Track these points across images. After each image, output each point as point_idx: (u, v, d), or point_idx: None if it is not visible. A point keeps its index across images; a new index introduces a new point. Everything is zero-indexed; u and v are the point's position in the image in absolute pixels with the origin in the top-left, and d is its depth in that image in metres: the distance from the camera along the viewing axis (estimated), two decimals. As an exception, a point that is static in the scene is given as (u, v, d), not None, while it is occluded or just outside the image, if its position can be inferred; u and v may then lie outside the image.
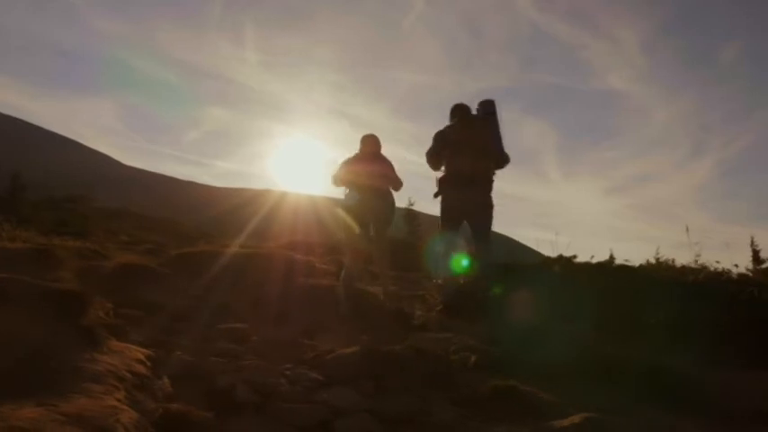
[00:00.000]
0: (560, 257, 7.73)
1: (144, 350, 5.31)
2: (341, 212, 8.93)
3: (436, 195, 7.63)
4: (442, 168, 7.55)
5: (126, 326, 6.61)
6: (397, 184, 8.32)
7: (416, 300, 8.88)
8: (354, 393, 4.73)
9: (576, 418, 3.46)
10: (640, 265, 9.60)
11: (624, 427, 3.48)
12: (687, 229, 8.21)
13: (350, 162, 8.52)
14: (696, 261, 8.47)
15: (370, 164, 8.38)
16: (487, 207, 7.43)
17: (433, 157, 7.43)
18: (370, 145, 8.55)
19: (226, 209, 50.78)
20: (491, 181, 7.28)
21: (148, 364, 4.89)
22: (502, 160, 7.31)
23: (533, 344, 5.96)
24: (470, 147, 7.19)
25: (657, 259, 10.39)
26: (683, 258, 9.32)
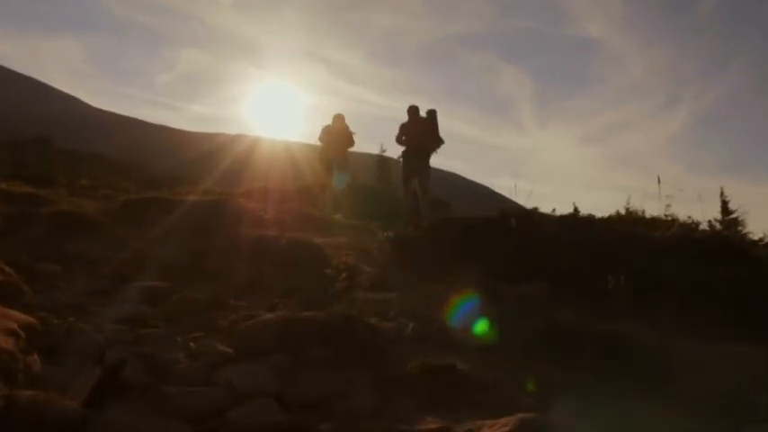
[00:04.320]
0: (518, 211, 7.06)
1: (26, 317, 4.61)
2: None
3: (399, 158, 12.46)
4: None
5: (24, 284, 5.92)
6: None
7: (367, 254, 8.19)
8: (264, 371, 4.04)
9: (509, 421, 2.79)
10: (609, 216, 9.01)
11: (566, 428, 2.81)
12: (659, 181, 7.60)
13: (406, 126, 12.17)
14: (666, 213, 7.89)
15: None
16: (427, 169, 12.10)
17: (398, 140, 12.15)
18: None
19: (198, 154, 49.59)
20: (429, 155, 12.04)
21: (22, 335, 4.19)
22: (437, 143, 12.01)
23: (483, 309, 5.30)
24: (418, 135, 11.85)
25: (627, 209, 9.81)
26: (654, 209, 8.72)
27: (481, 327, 5.05)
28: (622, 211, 9.25)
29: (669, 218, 8.31)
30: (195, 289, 6.43)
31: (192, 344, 4.46)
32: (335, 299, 5.74)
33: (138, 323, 4.99)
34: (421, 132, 11.81)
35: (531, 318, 4.97)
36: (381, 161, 27.98)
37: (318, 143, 14.76)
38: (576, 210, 7.15)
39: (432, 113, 12.02)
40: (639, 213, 9.32)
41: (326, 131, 14.33)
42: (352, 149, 14.85)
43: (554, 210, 7.27)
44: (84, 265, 7.43)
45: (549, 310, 5.22)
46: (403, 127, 12.03)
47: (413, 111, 12.04)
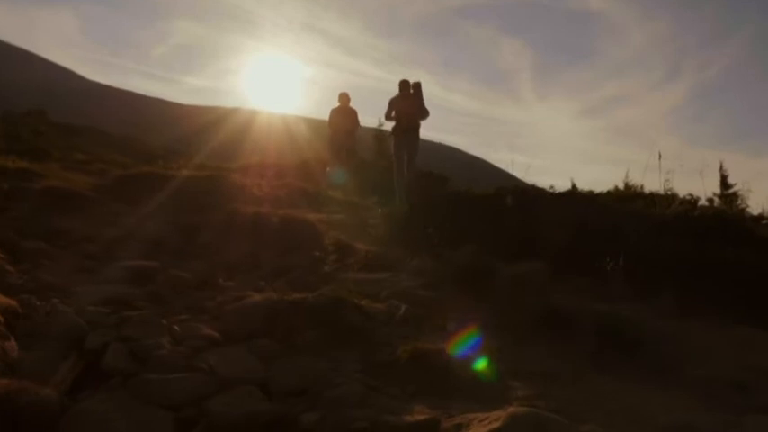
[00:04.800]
0: (515, 188, 6.88)
1: (6, 300, 4.46)
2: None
3: (390, 135, 12.45)
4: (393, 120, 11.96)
5: (9, 264, 5.77)
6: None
7: (362, 231, 8.02)
8: (249, 356, 3.91)
9: (500, 416, 2.65)
10: (608, 192, 8.83)
11: (563, 428, 2.66)
12: (660, 156, 7.40)
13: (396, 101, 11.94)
14: (666, 189, 7.72)
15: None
16: (416, 142, 11.90)
17: (387, 116, 12.02)
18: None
19: (195, 127, 49.17)
20: (418, 129, 11.88)
21: (1, 319, 4.05)
22: (424, 115, 11.93)
23: (478, 289, 5.16)
24: (407, 109, 11.69)
25: (626, 184, 9.64)
26: (653, 183, 8.54)
27: (477, 305, 4.93)
28: (621, 186, 9.09)
29: (669, 193, 8.14)
30: (184, 268, 6.27)
31: (176, 327, 4.32)
32: (326, 279, 5.60)
33: (123, 304, 4.83)
34: (409, 107, 11.70)
35: (526, 299, 4.83)
36: (379, 135, 27.64)
37: (328, 129, 15.17)
38: (573, 186, 6.97)
39: (417, 86, 11.89)
40: (638, 188, 9.16)
41: (334, 113, 14.76)
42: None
43: (552, 186, 7.10)
44: (72, 243, 7.26)
45: (545, 290, 5.08)
46: (392, 102, 11.87)
47: (404, 85, 11.95)
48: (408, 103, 11.68)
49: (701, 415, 3.24)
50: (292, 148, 25.34)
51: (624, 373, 3.91)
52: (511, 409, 2.70)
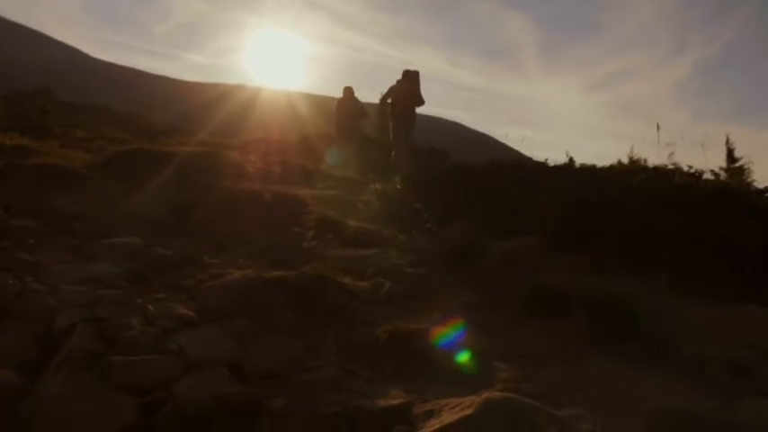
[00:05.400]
0: (510, 161, 6.62)
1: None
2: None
3: (389, 116, 13.25)
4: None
5: (-12, 242, 5.63)
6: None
7: (355, 208, 7.82)
8: (223, 337, 3.74)
9: (473, 402, 2.46)
10: (611, 166, 8.58)
11: (541, 414, 2.47)
12: (658, 128, 7.13)
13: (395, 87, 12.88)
14: (670, 163, 7.47)
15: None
16: (411, 118, 12.74)
17: (383, 99, 13.31)
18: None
19: (198, 104, 48.94)
20: (413, 113, 12.74)
21: (-34, 298, 3.90)
22: (419, 103, 12.70)
23: (467, 266, 4.97)
24: (403, 95, 12.57)
25: (631, 158, 9.37)
26: (658, 158, 8.29)
27: (466, 282, 4.74)
28: (625, 160, 8.83)
29: (672, 166, 7.88)
30: (169, 246, 6.11)
31: (150, 307, 4.15)
32: (311, 256, 5.40)
33: (100, 283, 4.67)
34: (405, 93, 12.74)
35: (517, 276, 4.63)
36: (382, 111, 27.32)
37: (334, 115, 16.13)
38: (571, 159, 6.72)
39: (415, 75, 12.97)
40: (642, 162, 8.89)
41: (338, 105, 15.88)
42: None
43: (546, 159, 6.86)
44: (60, 221, 7.10)
45: (537, 268, 4.88)
46: (391, 88, 13.09)
47: (405, 74, 13.01)
48: (405, 90, 12.65)
49: (695, 398, 3.05)
50: (295, 125, 25.16)
51: (617, 354, 3.73)
52: (486, 395, 2.51)
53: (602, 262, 5.22)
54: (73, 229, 6.72)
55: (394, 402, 2.84)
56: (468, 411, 2.39)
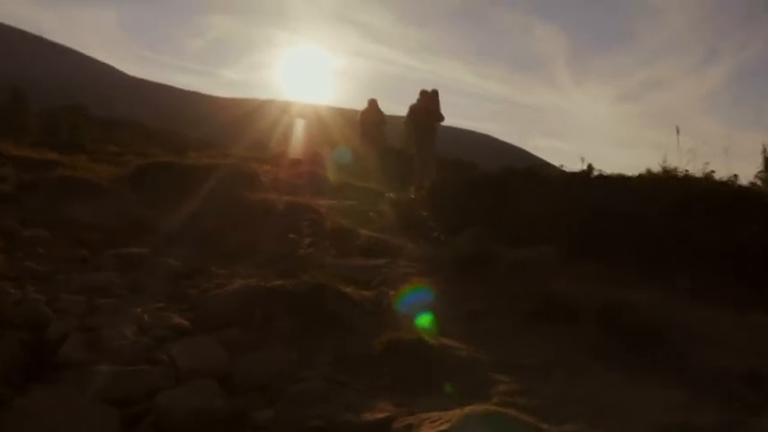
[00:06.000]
0: (527, 169, 6.42)
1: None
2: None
3: (411, 131, 15.15)
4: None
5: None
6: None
7: (370, 218, 7.71)
8: (216, 347, 3.62)
9: (453, 416, 2.31)
10: (639, 175, 8.30)
11: (527, 429, 2.29)
12: (678, 131, 6.85)
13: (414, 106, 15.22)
14: (704, 172, 7.17)
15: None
16: (431, 133, 14.22)
17: (407, 118, 14.81)
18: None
19: (230, 120, 49.37)
20: (433, 128, 14.39)
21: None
22: (438, 118, 14.25)
23: (477, 275, 4.81)
24: (423, 112, 13.86)
25: (664, 168, 9.05)
26: (691, 168, 7.97)
27: (476, 291, 4.59)
28: (656, 169, 8.51)
29: (705, 175, 7.57)
30: (179, 256, 6.07)
31: (145, 316, 4.06)
32: (317, 265, 5.29)
33: (100, 292, 4.61)
34: (425, 111, 14.26)
35: (527, 284, 4.46)
36: (409, 124, 27.34)
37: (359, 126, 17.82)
38: (589, 167, 6.48)
39: (434, 93, 14.39)
40: (674, 171, 8.57)
41: (362, 115, 17.54)
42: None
43: (562, 165, 6.65)
44: (74, 231, 7.11)
45: (550, 276, 4.69)
46: (411, 108, 14.64)
47: (423, 93, 14.43)
48: (425, 107, 14.09)
49: (704, 413, 2.85)
50: (324, 138, 25.25)
51: (626, 365, 3.53)
52: (469, 409, 2.35)
53: (620, 270, 5.01)
54: (84, 240, 6.71)
55: (379, 416, 2.69)
56: (445, 426, 2.24)
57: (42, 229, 6.90)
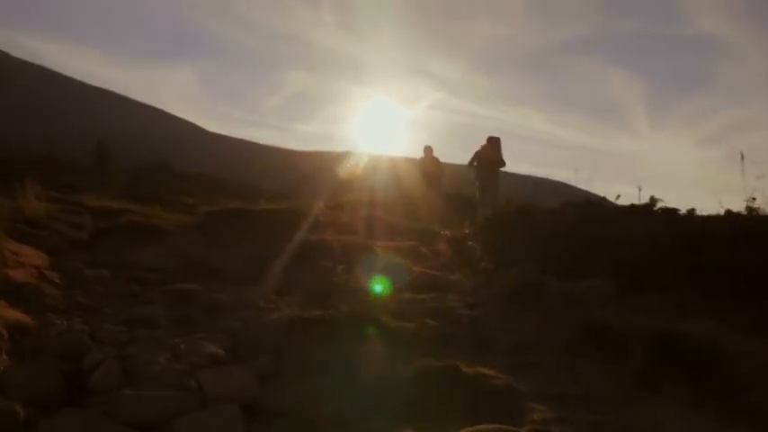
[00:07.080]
0: (582, 202, 6.16)
1: (21, 316, 4.35)
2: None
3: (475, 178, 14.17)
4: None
5: (56, 288, 5.76)
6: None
7: (426, 256, 7.59)
8: (245, 375, 3.55)
9: None
10: (717, 215, 7.86)
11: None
12: (742, 157, 6.44)
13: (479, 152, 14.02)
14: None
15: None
16: (495, 184, 13.70)
17: (470, 164, 14.00)
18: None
19: (307, 172, 50.25)
20: (497, 174, 13.75)
21: (4, 334, 3.92)
22: (501, 164, 13.74)
23: (525, 308, 4.61)
24: (488, 159, 13.56)
25: (749, 207, 8.55)
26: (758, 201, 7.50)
27: (522, 323, 4.39)
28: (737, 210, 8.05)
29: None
30: (232, 292, 6.10)
31: (182, 345, 4.05)
32: (363, 299, 5.19)
33: (143, 324, 4.64)
34: (488, 157, 13.98)
35: (574, 316, 4.23)
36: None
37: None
38: (652, 200, 6.17)
39: (496, 141, 14.31)
40: (759, 211, 8.06)
41: (420, 164, 17.27)
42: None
43: (618, 196, 6.36)
44: (134, 272, 7.27)
45: (601, 308, 4.45)
46: (476, 154, 14.28)
47: (488, 140, 14.33)
48: (488, 153, 13.86)
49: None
50: (397, 187, 25.40)
51: (677, 396, 3.26)
52: (473, 428, 2.18)
53: (678, 303, 4.70)
54: (141, 279, 6.83)
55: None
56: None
57: (105, 270, 7.06)
